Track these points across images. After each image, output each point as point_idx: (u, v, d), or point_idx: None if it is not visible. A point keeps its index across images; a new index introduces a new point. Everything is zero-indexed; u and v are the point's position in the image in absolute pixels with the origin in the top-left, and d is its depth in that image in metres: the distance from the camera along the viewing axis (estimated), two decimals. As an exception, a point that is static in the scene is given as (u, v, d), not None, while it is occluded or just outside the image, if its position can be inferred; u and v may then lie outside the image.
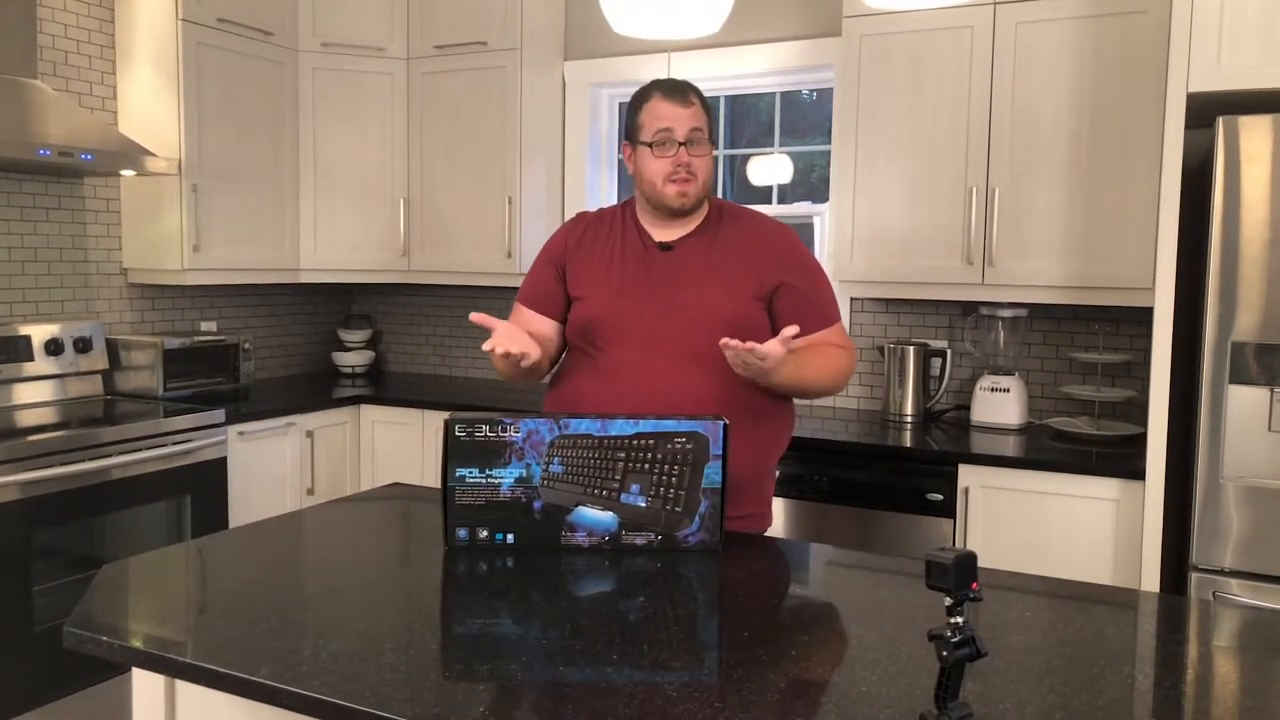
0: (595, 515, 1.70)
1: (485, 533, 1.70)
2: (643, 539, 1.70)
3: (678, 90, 1.97)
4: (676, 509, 1.70)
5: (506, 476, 1.69)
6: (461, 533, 1.70)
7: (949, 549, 1.02)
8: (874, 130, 3.13)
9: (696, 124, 1.96)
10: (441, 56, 3.81)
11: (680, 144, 1.94)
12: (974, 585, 1.03)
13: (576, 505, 1.70)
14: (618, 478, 1.69)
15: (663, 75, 3.77)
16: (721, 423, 1.70)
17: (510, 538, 1.70)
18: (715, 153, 2.11)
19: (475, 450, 1.69)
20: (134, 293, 3.60)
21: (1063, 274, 2.90)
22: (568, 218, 2.19)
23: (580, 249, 2.07)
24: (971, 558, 1.02)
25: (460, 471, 1.69)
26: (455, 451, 1.69)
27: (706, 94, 4.05)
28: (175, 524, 3.02)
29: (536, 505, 1.70)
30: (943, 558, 1.02)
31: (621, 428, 1.69)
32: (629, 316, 1.97)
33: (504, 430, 1.68)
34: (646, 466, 1.69)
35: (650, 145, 1.96)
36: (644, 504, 1.69)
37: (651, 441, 1.69)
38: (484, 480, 1.69)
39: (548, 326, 2.10)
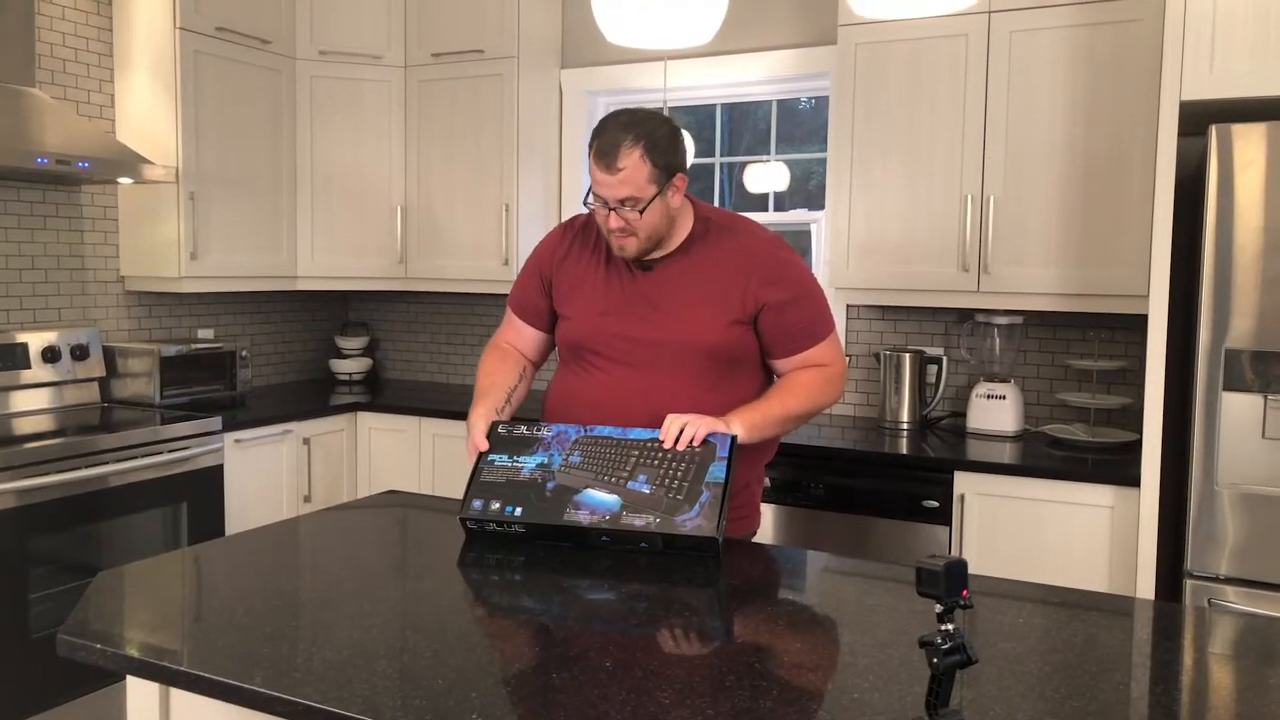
0: (601, 497, 1.77)
1: (497, 505, 1.80)
2: (641, 520, 1.73)
3: (606, 154, 1.84)
4: (678, 497, 1.75)
5: (529, 462, 1.85)
6: (477, 503, 1.82)
7: (939, 556, 1.03)
8: (870, 138, 3.14)
9: (625, 194, 1.84)
10: (439, 64, 3.82)
11: (611, 208, 1.87)
12: (964, 592, 1.03)
13: (585, 488, 1.79)
14: (628, 469, 1.80)
15: (659, 84, 3.79)
16: (730, 435, 1.82)
17: (519, 511, 1.78)
18: (683, 186, 1.95)
19: (510, 442, 1.89)
20: (131, 300, 3.60)
21: (1058, 281, 2.91)
22: (551, 231, 2.19)
23: (566, 263, 2.07)
24: (962, 565, 1.03)
25: (491, 456, 1.88)
26: (493, 442, 1.89)
27: (703, 102, 4.00)
28: (171, 531, 3.02)
29: (550, 486, 1.81)
30: (933, 565, 1.02)
31: (640, 434, 1.85)
32: (613, 338, 1.98)
33: (539, 429, 1.90)
34: (656, 462, 1.80)
35: (588, 200, 1.93)
36: (648, 490, 1.76)
37: (664, 442, 1.82)
38: (510, 464, 1.86)
39: (536, 335, 2.18)
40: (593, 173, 1.88)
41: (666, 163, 1.87)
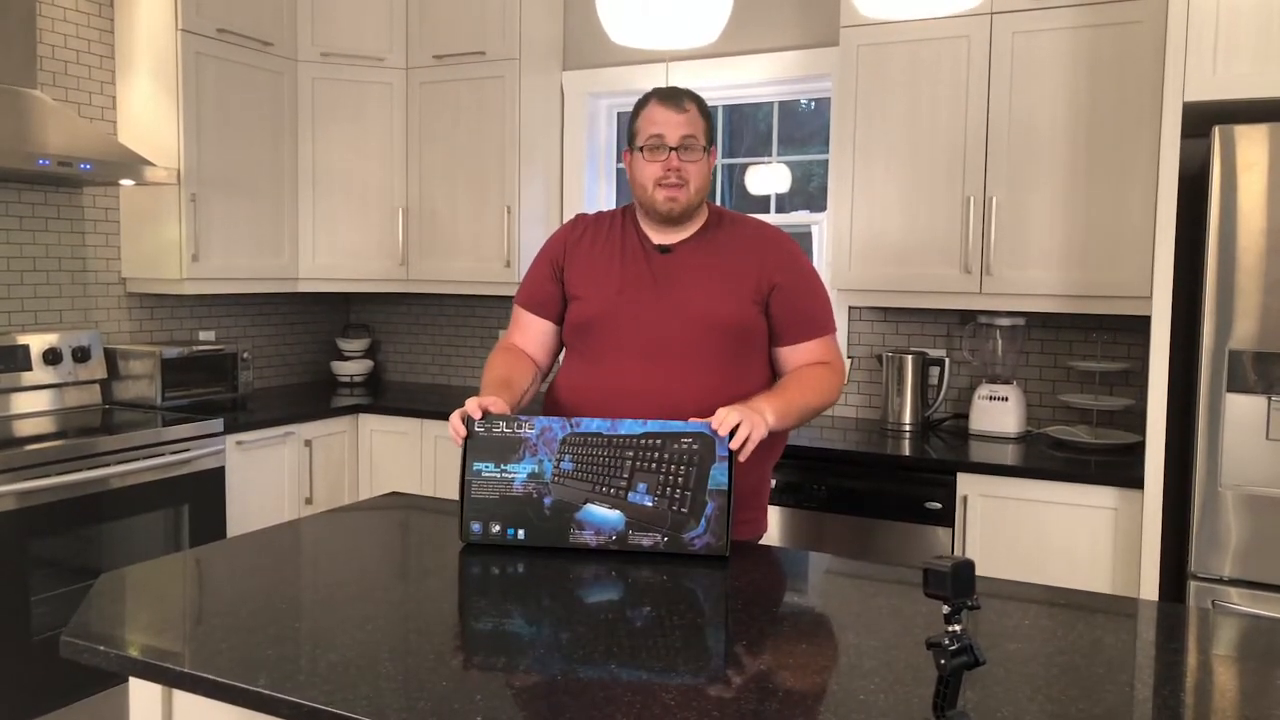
0: (603, 514, 1.72)
1: (498, 528, 1.74)
2: (649, 540, 1.71)
3: (673, 96, 1.97)
4: (682, 510, 1.71)
5: (520, 472, 1.75)
6: (475, 527, 1.75)
7: (947, 557, 1.02)
8: (871, 139, 3.14)
9: (689, 130, 1.95)
10: (440, 66, 3.82)
11: (672, 149, 1.94)
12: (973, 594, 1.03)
13: (585, 503, 1.73)
14: (625, 476, 1.73)
15: (661, 85, 3.79)
16: (728, 433, 1.73)
17: (521, 534, 1.74)
18: (716, 161, 2.09)
19: (492, 445, 1.77)
20: (132, 302, 3.60)
21: (1060, 283, 2.91)
22: (561, 226, 2.19)
23: (579, 249, 2.07)
24: (969, 565, 1.02)
25: (477, 466, 1.76)
26: (474, 446, 1.77)
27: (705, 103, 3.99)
28: (173, 533, 3.02)
29: (547, 501, 1.74)
30: (940, 565, 1.02)
31: (630, 427, 1.74)
32: (627, 318, 1.97)
33: (520, 426, 1.76)
34: (654, 466, 1.73)
35: (643, 150, 1.96)
36: (650, 503, 1.72)
37: (659, 441, 1.74)
38: (499, 475, 1.75)
39: (546, 329, 2.13)
40: (653, 116, 1.96)
41: (710, 130, 2.02)
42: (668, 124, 1.95)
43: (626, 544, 1.71)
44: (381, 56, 3.86)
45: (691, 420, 1.75)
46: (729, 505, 1.71)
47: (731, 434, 1.73)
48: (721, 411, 1.75)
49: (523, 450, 1.76)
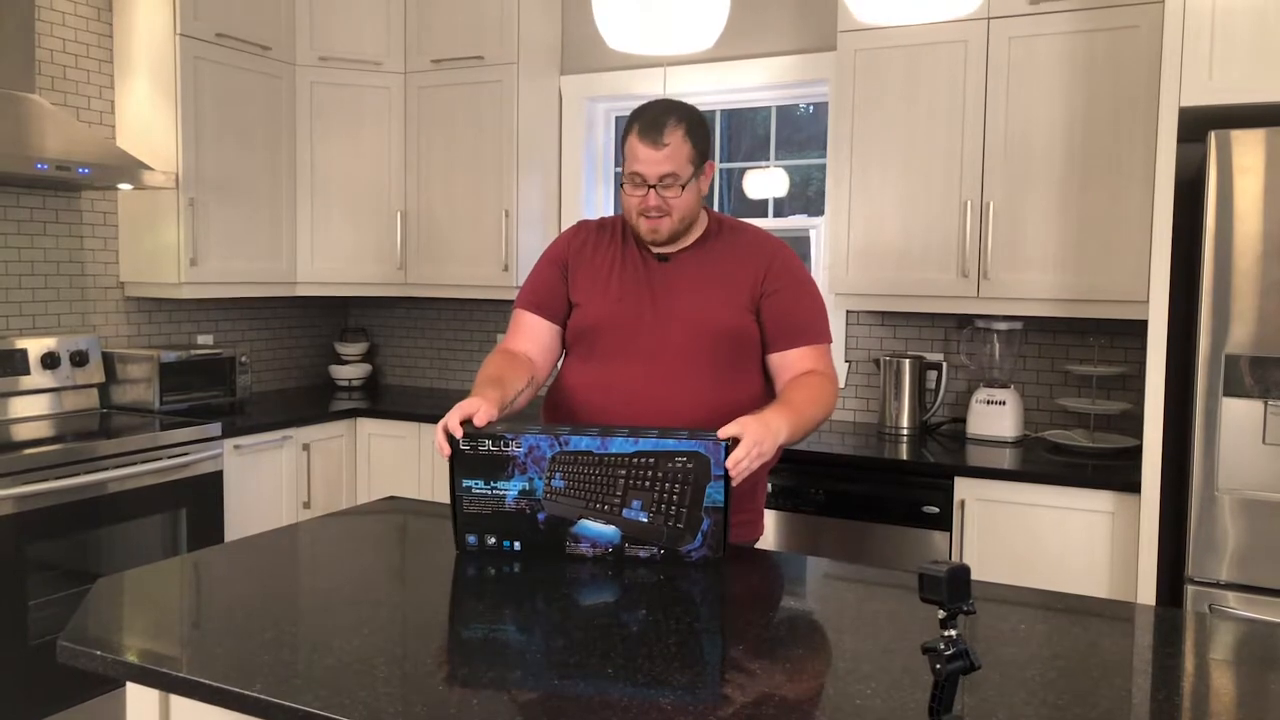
0: (598, 528, 1.71)
1: (493, 540, 1.74)
2: (646, 552, 1.71)
3: (653, 129, 1.90)
4: (679, 525, 1.69)
5: (510, 489, 1.72)
6: (471, 538, 1.75)
7: (942, 562, 1.03)
8: (869, 143, 3.14)
9: (668, 169, 1.89)
10: (438, 70, 3.83)
11: (651, 186, 1.91)
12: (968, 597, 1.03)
13: (579, 519, 1.71)
14: (619, 494, 1.69)
15: (659, 90, 3.79)
16: (724, 443, 1.67)
17: (518, 545, 1.73)
18: (714, 172, 2.06)
19: (479, 463, 1.72)
20: (131, 306, 3.60)
21: (1057, 287, 2.91)
22: (564, 231, 2.19)
23: (582, 254, 2.07)
24: (965, 570, 1.03)
25: (466, 482, 1.73)
26: (460, 464, 1.73)
27: (703, 108, 4.02)
28: (171, 538, 3.02)
29: (540, 517, 1.72)
30: (936, 570, 1.02)
31: (621, 445, 1.68)
32: (627, 325, 1.98)
33: (505, 445, 1.71)
34: (647, 484, 1.69)
35: (625, 183, 1.95)
36: (646, 519, 1.70)
37: (652, 460, 1.68)
38: (489, 492, 1.73)
39: (548, 331, 2.08)
40: (634, 150, 1.91)
41: (702, 148, 1.95)
42: (646, 162, 1.90)
43: (624, 555, 1.71)
44: (380, 61, 3.87)
45: (687, 437, 1.70)
46: (725, 521, 1.70)
47: (727, 452, 1.66)
48: (735, 426, 1.68)
49: (511, 468, 1.71)
